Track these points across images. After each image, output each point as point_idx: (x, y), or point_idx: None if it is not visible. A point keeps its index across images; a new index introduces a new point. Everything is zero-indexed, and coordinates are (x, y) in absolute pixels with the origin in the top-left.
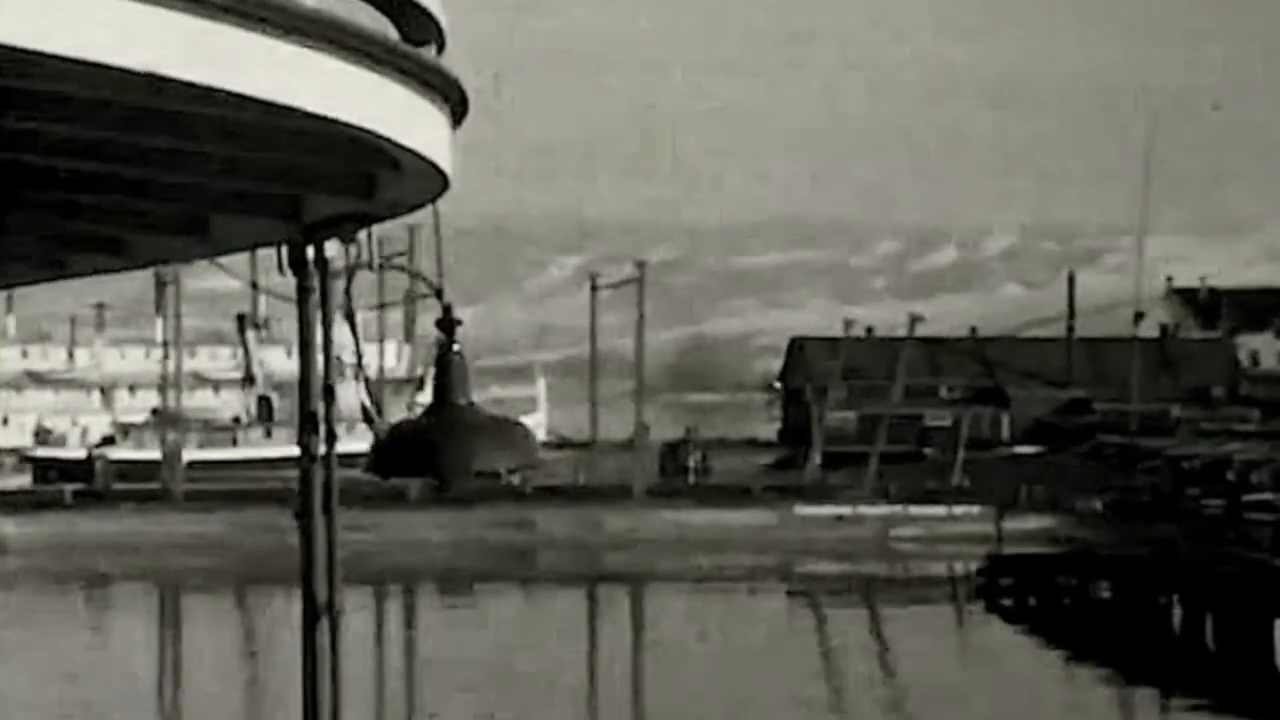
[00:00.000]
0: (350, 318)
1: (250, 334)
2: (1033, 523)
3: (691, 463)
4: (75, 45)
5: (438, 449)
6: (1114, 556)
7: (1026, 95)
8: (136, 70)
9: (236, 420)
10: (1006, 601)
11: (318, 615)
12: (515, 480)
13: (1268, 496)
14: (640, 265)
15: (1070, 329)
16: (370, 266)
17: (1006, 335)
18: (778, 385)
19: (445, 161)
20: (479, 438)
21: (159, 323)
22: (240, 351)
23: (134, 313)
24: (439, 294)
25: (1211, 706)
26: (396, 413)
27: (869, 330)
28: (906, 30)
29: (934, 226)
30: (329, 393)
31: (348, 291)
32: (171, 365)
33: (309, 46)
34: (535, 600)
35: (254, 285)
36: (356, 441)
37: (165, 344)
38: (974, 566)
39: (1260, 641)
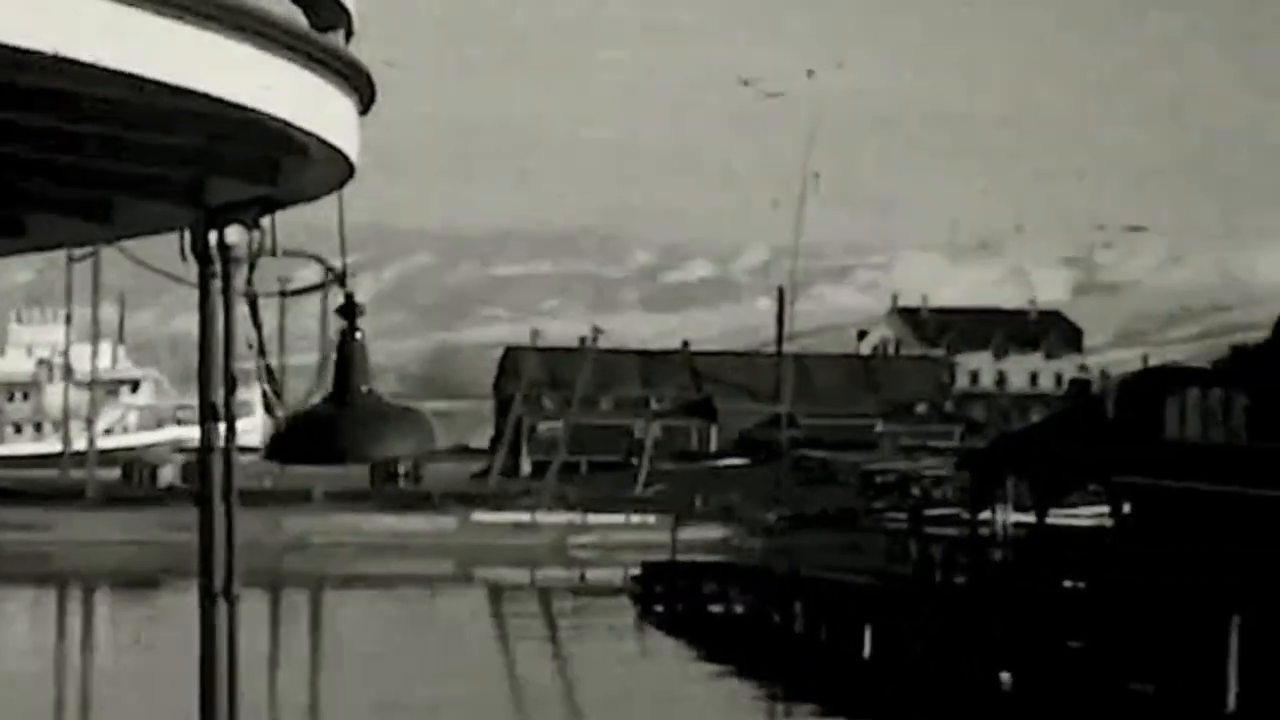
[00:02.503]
0: (253, 303)
1: None
2: (707, 532)
3: (402, 469)
4: None
5: (337, 435)
6: (753, 567)
7: (794, 114)
8: (43, 52)
9: None
10: (658, 607)
11: (214, 600)
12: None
13: (951, 511)
14: (328, 270)
15: (779, 344)
16: (274, 252)
17: (717, 350)
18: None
19: (352, 149)
20: (379, 425)
21: None
22: None
23: None
24: (342, 280)
25: (820, 704)
26: (109, 415)
27: (581, 340)
28: (682, 42)
29: (688, 241)
30: (230, 381)
31: (250, 278)
32: None
33: (216, 31)
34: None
35: None
36: (53, 443)
37: None
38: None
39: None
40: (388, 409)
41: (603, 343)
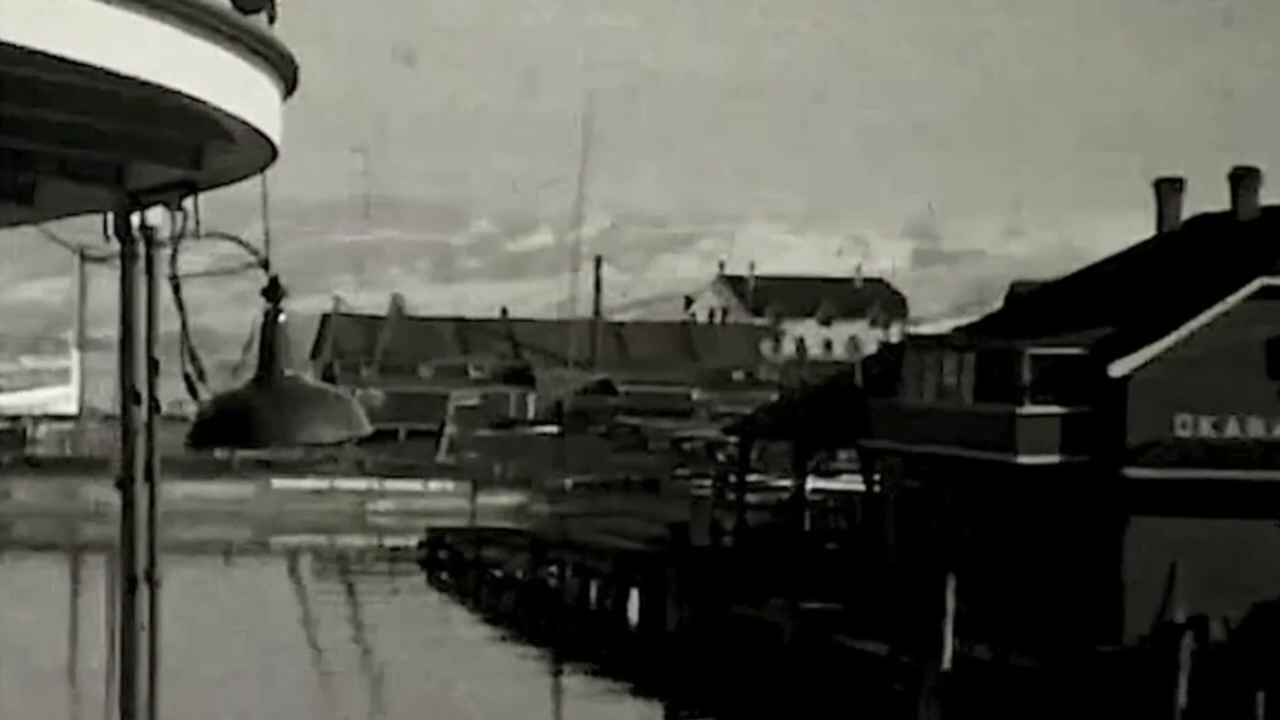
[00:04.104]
0: (176, 286)
1: None
2: (504, 499)
3: None
4: None
5: (260, 420)
6: (533, 532)
7: (650, 84)
8: None
9: None
10: (443, 573)
11: (136, 584)
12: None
13: (756, 478)
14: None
15: (597, 312)
16: (197, 234)
17: (536, 318)
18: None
19: (275, 132)
20: (302, 408)
21: None
22: None
23: None
24: (265, 264)
25: (587, 667)
26: None
27: (399, 309)
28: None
29: (530, 209)
30: (153, 364)
31: (173, 260)
32: None
33: (139, 12)
34: (8, 569)
35: None
36: None
37: None
38: (420, 540)
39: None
40: (313, 392)
41: (436, 311)
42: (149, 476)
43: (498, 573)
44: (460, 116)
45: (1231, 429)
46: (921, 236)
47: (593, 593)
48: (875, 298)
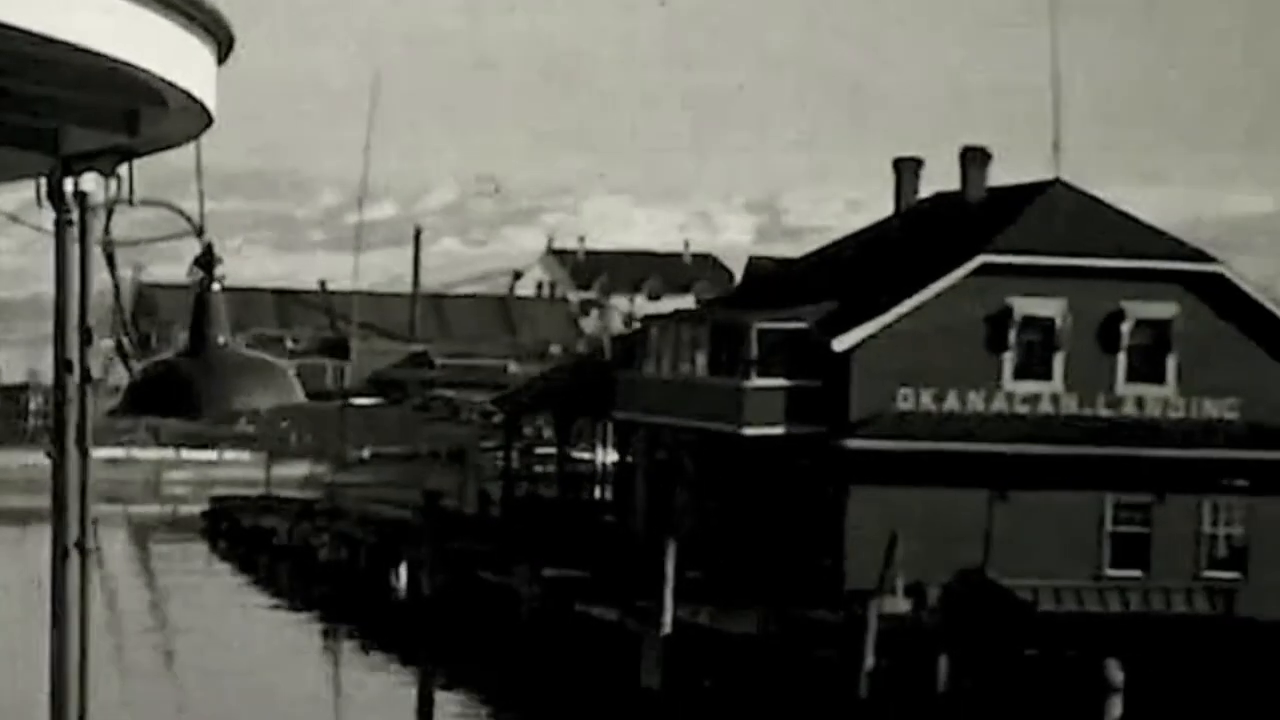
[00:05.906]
0: (109, 253)
1: None
2: (300, 469)
3: (33, 405)
4: None
5: (193, 387)
6: (307, 501)
7: (498, 55)
8: None
9: None
10: (223, 541)
11: (67, 552)
12: None
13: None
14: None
15: (416, 284)
16: (130, 201)
17: (354, 289)
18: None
19: (210, 98)
20: (236, 376)
21: None
22: None
23: None
24: (200, 232)
25: (349, 626)
26: None
27: (219, 279)
28: None
29: (375, 180)
30: (86, 333)
31: (107, 227)
32: None
33: None
34: None
35: None
36: None
37: None
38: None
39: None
40: (246, 360)
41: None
42: (81, 447)
43: (274, 540)
44: (294, 87)
45: (951, 402)
46: (765, 211)
47: (361, 560)
48: (702, 272)
